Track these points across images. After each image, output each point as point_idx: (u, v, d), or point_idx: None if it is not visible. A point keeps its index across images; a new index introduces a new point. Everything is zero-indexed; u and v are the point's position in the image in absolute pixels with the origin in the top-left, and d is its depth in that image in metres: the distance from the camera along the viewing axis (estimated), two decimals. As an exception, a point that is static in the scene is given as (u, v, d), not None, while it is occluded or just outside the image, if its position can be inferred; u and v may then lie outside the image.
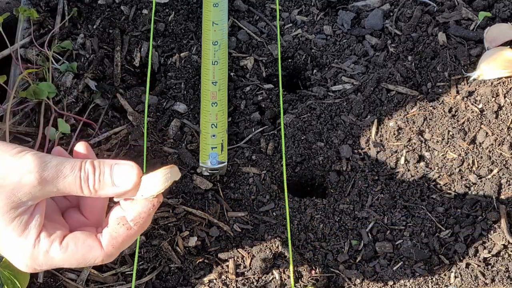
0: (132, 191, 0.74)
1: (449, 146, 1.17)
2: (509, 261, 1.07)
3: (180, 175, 0.76)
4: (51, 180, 0.71)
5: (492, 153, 1.16)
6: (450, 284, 1.05)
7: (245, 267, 1.07)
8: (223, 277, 1.06)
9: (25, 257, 0.72)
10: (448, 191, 1.13)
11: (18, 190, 0.70)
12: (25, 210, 0.71)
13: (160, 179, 0.74)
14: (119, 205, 0.76)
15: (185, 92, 1.25)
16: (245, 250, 1.08)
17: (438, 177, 1.14)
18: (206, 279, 1.06)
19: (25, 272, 0.89)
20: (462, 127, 1.18)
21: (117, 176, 0.73)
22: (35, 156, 0.71)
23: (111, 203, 0.79)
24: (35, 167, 0.70)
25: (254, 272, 1.06)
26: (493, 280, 1.05)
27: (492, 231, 1.09)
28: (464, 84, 1.23)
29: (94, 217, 0.79)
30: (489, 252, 1.07)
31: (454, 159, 1.15)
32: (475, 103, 1.21)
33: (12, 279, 0.83)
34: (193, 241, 1.09)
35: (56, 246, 0.72)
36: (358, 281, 1.06)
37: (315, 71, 1.30)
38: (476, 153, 1.16)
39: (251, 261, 1.07)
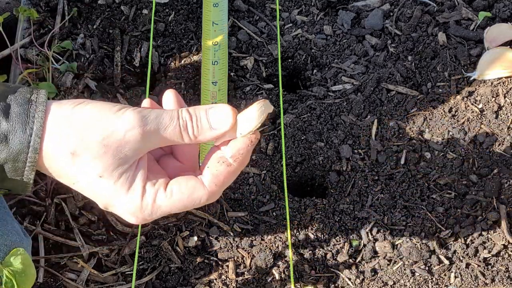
0: (230, 132, 0.76)
1: (449, 146, 1.17)
2: (509, 261, 1.07)
3: (273, 107, 0.77)
4: (153, 133, 0.73)
5: (492, 153, 1.16)
6: (450, 284, 1.05)
7: (245, 267, 1.07)
8: (223, 277, 1.06)
9: (135, 211, 0.74)
10: (448, 191, 1.13)
11: (123, 147, 0.72)
12: (130, 165, 0.73)
13: (255, 114, 0.75)
14: (216, 147, 0.78)
15: (185, 92, 1.25)
16: (245, 250, 1.08)
17: (438, 177, 1.14)
18: (206, 279, 1.06)
19: (30, 272, 0.88)
20: (462, 127, 1.18)
21: (213, 119, 0.75)
22: (135, 112, 0.73)
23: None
24: (137, 123, 0.72)
25: (254, 272, 1.06)
26: (493, 280, 1.05)
27: (492, 231, 1.09)
28: (464, 84, 1.23)
29: (190, 162, 0.81)
30: (489, 252, 1.07)
31: (454, 159, 1.15)
32: (475, 103, 1.21)
33: (11, 279, 0.83)
34: (193, 241, 1.09)
35: (161, 193, 0.74)
36: (358, 281, 1.06)
37: (315, 71, 1.30)
38: (476, 153, 1.16)
39: (251, 261, 1.07)
